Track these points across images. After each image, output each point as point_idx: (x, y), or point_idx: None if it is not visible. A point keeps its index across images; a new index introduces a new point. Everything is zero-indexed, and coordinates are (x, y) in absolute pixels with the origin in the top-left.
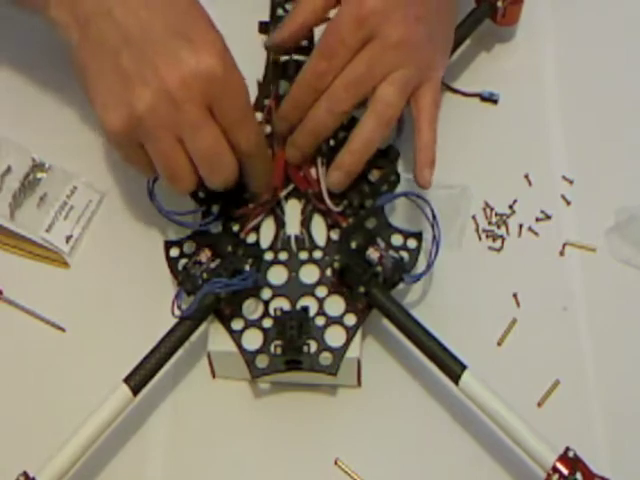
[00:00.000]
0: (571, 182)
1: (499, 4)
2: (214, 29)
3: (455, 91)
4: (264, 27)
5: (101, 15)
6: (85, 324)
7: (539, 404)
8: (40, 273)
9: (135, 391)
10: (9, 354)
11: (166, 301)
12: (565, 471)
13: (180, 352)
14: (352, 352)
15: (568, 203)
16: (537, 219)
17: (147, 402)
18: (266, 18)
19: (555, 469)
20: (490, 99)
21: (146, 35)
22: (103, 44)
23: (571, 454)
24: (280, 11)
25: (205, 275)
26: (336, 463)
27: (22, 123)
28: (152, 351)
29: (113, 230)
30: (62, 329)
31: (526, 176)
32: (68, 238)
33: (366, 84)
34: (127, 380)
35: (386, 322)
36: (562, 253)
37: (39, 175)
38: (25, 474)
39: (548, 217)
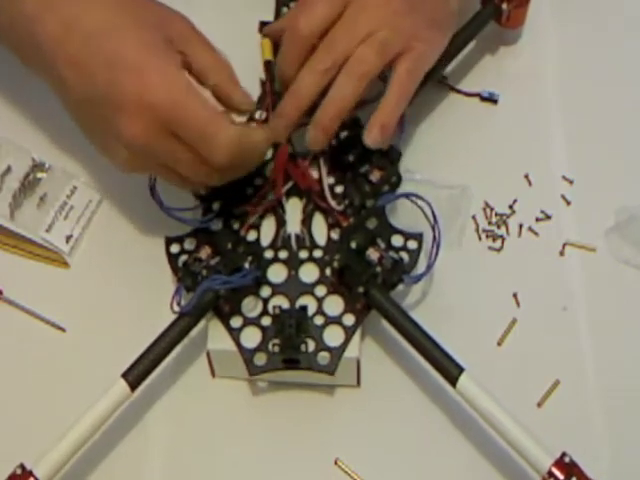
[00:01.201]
0: (571, 182)
1: (504, 7)
2: (149, 52)
3: (455, 91)
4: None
5: (59, 84)
6: (85, 324)
7: (539, 404)
8: (40, 273)
9: (133, 386)
10: (9, 354)
11: (166, 301)
12: (561, 476)
13: (179, 351)
14: (352, 352)
15: (568, 203)
16: (537, 219)
17: (146, 400)
18: (267, 18)
19: (551, 474)
20: (490, 99)
21: (97, 93)
22: (76, 104)
23: (567, 459)
24: (285, 10)
25: (205, 272)
26: (336, 463)
27: (22, 123)
28: (151, 346)
29: (113, 230)
30: (62, 329)
31: (526, 176)
32: (68, 238)
33: (344, 43)
34: (125, 375)
35: (385, 322)
36: (562, 253)
37: (39, 175)
38: (22, 466)
39: (548, 217)
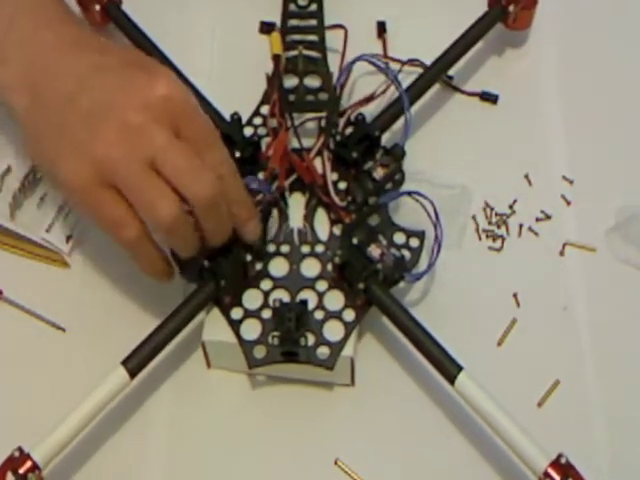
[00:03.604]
0: (571, 182)
1: (511, 8)
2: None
3: (459, 91)
4: (266, 27)
5: (53, 66)
6: (85, 324)
7: (539, 404)
8: (40, 273)
9: (132, 374)
10: (9, 354)
11: (166, 301)
12: (557, 477)
13: (181, 345)
14: (346, 351)
15: (568, 203)
16: (537, 219)
17: (145, 396)
18: (270, 17)
19: (547, 474)
20: (490, 99)
21: (100, 71)
22: (57, 95)
23: (563, 460)
24: (292, 6)
25: (206, 263)
26: (336, 463)
27: None
28: (151, 335)
29: None
30: (62, 329)
31: (526, 176)
32: (68, 238)
33: None
34: (125, 362)
35: (384, 320)
36: (562, 253)
37: (39, 175)
38: (20, 449)
39: (548, 217)
